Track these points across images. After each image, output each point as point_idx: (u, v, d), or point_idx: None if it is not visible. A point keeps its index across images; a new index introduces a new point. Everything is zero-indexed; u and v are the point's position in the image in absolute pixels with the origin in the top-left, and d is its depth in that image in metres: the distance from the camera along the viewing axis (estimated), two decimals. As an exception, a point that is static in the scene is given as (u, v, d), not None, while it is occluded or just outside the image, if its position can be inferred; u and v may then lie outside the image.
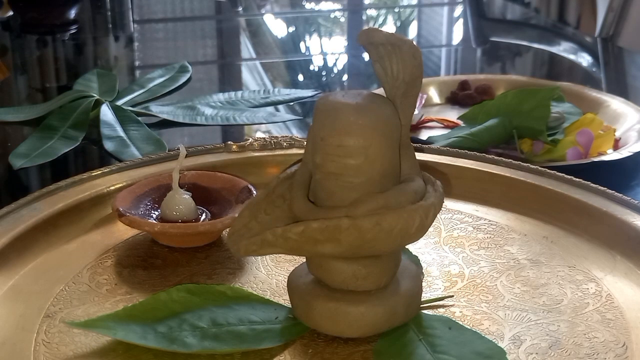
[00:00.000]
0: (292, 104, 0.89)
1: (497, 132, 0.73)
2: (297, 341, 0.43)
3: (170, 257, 0.52)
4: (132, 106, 0.85)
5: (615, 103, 0.80)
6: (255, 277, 0.50)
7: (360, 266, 0.42)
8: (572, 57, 1.13)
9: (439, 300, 0.47)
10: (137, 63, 1.12)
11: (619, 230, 0.53)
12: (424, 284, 0.46)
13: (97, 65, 1.06)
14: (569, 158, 0.70)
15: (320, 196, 0.42)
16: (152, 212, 0.55)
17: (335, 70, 1.21)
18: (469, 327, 0.44)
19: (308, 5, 1.60)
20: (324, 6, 1.61)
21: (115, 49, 1.18)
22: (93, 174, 0.61)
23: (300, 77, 1.13)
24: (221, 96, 0.89)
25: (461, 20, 1.41)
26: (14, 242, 0.52)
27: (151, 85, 0.93)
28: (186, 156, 0.54)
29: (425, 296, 0.46)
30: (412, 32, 1.41)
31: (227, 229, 0.51)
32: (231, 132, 0.82)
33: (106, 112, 0.81)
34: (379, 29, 0.43)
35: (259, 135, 0.83)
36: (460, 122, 0.79)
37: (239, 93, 0.90)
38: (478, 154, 0.64)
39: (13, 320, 0.45)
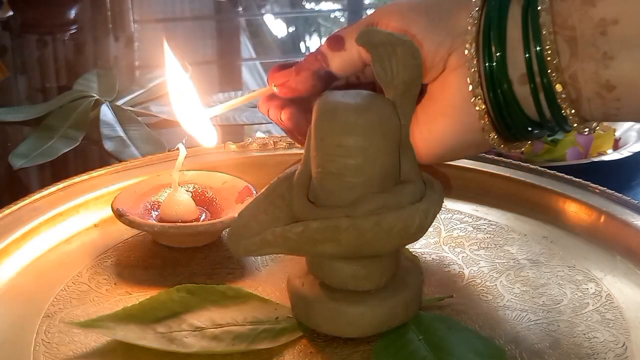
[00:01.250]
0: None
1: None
2: (296, 341, 0.43)
3: (170, 257, 0.52)
4: (132, 106, 0.85)
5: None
6: (255, 277, 0.50)
7: (360, 266, 0.42)
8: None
9: (439, 300, 0.47)
10: (137, 63, 1.12)
11: (619, 230, 0.53)
12: (424, 284, 0.46)
13: (97, 65, 1.06)
14: (569, 158, 0.70)
15: (320, 196, 0.42)
16: (152, 212, 0.55)
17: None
18: (468, 327, 0.44)
19: (308, 5, 1.60)
20: (324, 6, 1.61)
21: (115, 49, 1.18)
22: (93, 174, 0.61)
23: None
24: (221, 96, 0.89)
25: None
26: (14, 242, 0.52)
27: (151, 85, 0.93)
28: (186, 156, 0.54)
29: (425, 296, 0.46)
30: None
31: (227, 229, 0.51)
32: (231, 132, 0.82)
33: (106, 112, 0.81)
34: (379, 29, 0.43)
35: (259, 135, 0.83)
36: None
37: (239, 93, 0.90)
38: (478, 154, 0.64)
39: (13, 320, 0.45)
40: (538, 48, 0.41)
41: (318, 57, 0.48)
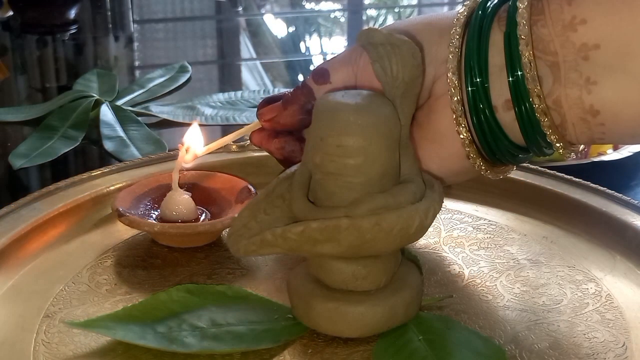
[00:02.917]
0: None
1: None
2: (296, 341, 0.43)
3: (170, 257, 0.52)
4: (132, 106, 0.85)
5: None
6: (255, 277, 0.50)
7: (360, 266, 0.42)
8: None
9: (439, 300, 0.47)
10: (137, 63, 1.12)
11: (619, 230, 0.53)
12: (424, 284, 0.46)
13: (97, 65, 1.06)
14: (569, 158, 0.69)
15: (320, 196, 0.42)
16: (152, 212, 0.55)
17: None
18: (468, 327, 0.44)
19: (308, 5, 1.60)
20: (324, 6, 1.61)
21: (115, 49, 1.18)
22: (93, 174, 0.61)
23: (300, 77, 1.13)
24: (221, 96, 0.89)
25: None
26: (14, 242, 0.52)
27: (151, 85, 0.93)
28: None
29: (425, 296, 0.46)
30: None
31: (227, 229, 0.51)
32: (231, 132, 0.82)
33: (106, 112, 0.81)
34: (379, 29, 0.43)
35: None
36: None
37: (239, 93, 0.90)
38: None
39: (13, 320, 0.45)
40: (520, 73, 0.41)
41: (304, 91, 0.49)
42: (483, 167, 0.45)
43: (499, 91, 0.42)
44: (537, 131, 0.42)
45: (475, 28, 0.43)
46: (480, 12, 0.44)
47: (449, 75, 0.43)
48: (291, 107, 0.49)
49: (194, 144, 0.53)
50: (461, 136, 0.44)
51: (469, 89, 0.43)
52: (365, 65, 0.46)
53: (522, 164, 0.61)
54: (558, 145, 0.42)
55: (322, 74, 0.48)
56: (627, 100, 0.40)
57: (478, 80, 0.43)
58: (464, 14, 0.44)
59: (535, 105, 0.41)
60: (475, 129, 0.44)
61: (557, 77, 0.41)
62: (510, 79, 0.42)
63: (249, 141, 0.66)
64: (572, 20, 0.40)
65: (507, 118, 0.43)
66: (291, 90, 0.50)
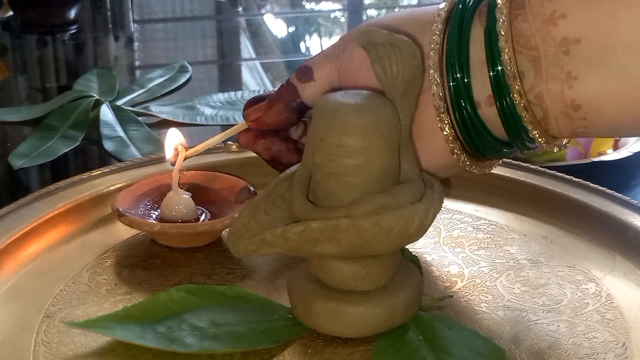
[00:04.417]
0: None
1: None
2: (296, 341, 0.43)
3: (170, 257, 0.52)
4: (132, 106, 0.85)
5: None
6: (255, 277, 0.50)
7: (360, 266, 0.42)
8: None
9: (439, 300, 0.47)
10: (137, 63, 1.12)
11: (619, 230, 0.53)
12: (424, 284, 0.46)
13: (97, 65, 1.06)
14: (569, 158, 0.70)
15: (320, 196, 0.42)
16: (152, 212, 0.55)
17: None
18: (468, 327, 0.44)
19: (308, 5, 1.60)
20: (324, 6, 1.61)
21: (115, 49, 1.18)
22: (93, 174, 0.61)
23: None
24: (221, 96, 0.89)
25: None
26: (14, 242, 0.52)
27: (151, 85, 0.93)
28: (186, 156, 0.54)
29: (425, 296, 0.46)
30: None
31: (227, 229, 0.51)
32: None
33: (106, 112, 0.81)
34: (379, 29, 0.43)
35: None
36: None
37: (239, 93, 0.90)
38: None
39: (13, 320, 0.45)
40: (500, 68, 0.41)
41: (289, 89, 0.49)
42: (468, 163, 0.45)
43: (482, 87, 0.42)
44: (519, 126, 0.42)
45: (456, 23, 0.43)
46: (460, 6, 0.43)
47: (430, 72, 0.43)
48: (276, 106, 0.49)
49: (180, 144, 0.53)
50: (444, 132, 0.44)
51: (451, 84, 0.43)
52: (348, 60, 0.46)
53: (522, 165, 0.61)
54: (540, 140, 0.42)
55: (305, 72, 0.48)
56: (608, 94, 0.40)
57: (459, 76, 0.42)
58: (444, 9, 0.44)
59: (516, 101, 0.41)
60: (458, 125, 0.43)
61: (538, 72, 0.41)
62: (491, 74, 0.42)
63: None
64: (552, 14, 0.40)
65: (490, 113, 0.43)
66: (276, 89, 0.50)
